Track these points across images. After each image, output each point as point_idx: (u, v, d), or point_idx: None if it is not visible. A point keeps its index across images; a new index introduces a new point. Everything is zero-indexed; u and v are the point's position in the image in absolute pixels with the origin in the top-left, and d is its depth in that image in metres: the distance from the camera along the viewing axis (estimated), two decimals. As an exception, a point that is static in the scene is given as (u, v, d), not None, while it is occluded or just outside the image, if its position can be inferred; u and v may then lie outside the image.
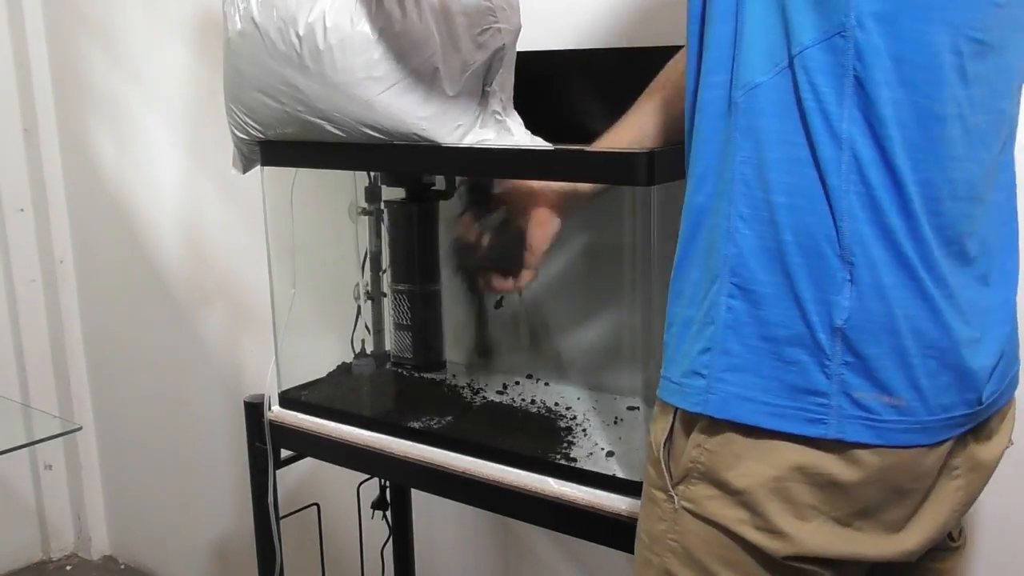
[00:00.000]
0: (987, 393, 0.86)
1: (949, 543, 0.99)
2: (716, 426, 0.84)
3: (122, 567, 2.65)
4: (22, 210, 2.47)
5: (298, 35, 1.16)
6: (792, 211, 0.79)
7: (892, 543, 0.85)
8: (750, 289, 0.81)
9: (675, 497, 0.87)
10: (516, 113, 1.23)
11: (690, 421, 0.86)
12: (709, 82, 0.84)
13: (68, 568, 2.65)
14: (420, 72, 1.14)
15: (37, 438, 1.98)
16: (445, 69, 1.15)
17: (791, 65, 0.78)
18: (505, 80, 1.21)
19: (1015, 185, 0.92)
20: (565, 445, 1.21)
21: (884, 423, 0.80)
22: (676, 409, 0.87)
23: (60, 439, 2.51)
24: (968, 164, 0.81)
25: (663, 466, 0.88)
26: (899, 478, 0.82)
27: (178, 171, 2.20)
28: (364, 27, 1.13)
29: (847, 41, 0.76)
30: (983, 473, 0.92)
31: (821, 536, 0.83)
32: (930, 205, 0.78)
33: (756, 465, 0.82)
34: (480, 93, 1.18)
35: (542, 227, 1.20)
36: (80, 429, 2.08)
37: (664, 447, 0.88)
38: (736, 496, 0.83)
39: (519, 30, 1.20)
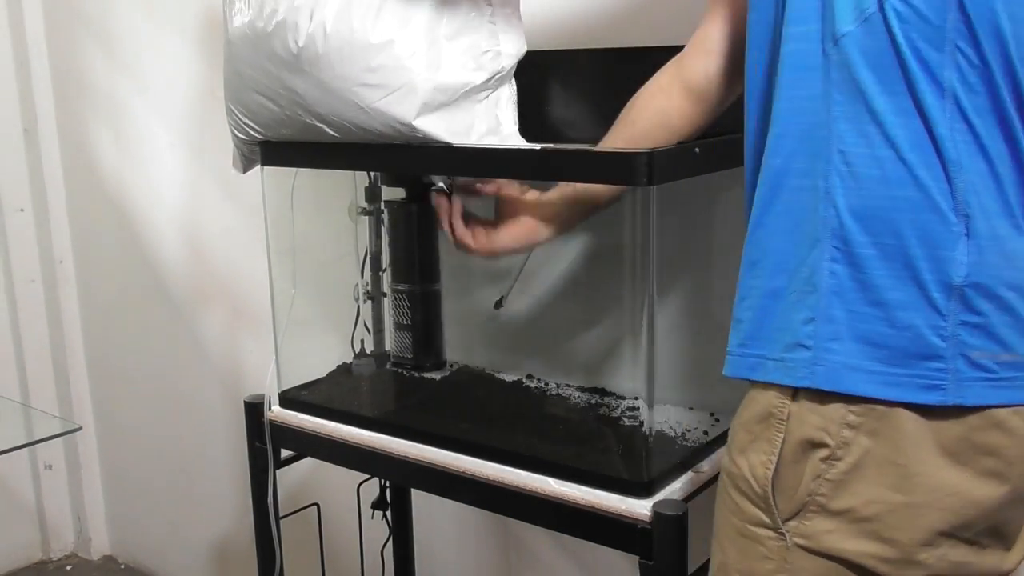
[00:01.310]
0: None
1: None
2: (841, 442, 0.78)
3: (122, 567, 2.65)
4: (22, 210, 2.47)
5: (296, 40, 1.16)
6: (897, 164, 0.75)
7: (1002, 561, 0.82)
8: (854, 252, 0.77)
9: (787, 534, 0.81)
10: (515, 132, 1.23)
11: (804, 445, 0.80)
12: (792, 33, 0.80)
13: (68, 568, 2.65)
14: (417, 84, 1.14)
15: (37, 438, 1.98)
16: (443, 84, 1.15)
17: (882, 8, 0.75)
18: (504, 100, 1.21)
19: None
20: (565, 444, 1.21)
21: (1003, 380, 0.76)
22: (784, 437, 0.81)
23: (60, 439, 2.50)
24: None
25: (772, 502, 0.82)
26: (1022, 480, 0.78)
27: (178, 171, 2.20)
28: (363, 35, 1.13)
29: None
30: None
31: (950, 560, 0.79)
32: None
33: (882, 489, 0.77)
34: (478, 111, 1.18)
35: (515, 227, 1.18)
36: (80, 429, 2.08)
37: (771, 482, 0.82)
38: (863, 524, 0.78)
39: (521, 54, 1.21)
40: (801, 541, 0.81)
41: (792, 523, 0.81)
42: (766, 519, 0.83)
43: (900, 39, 0.74)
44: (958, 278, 0.75)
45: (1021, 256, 0.76)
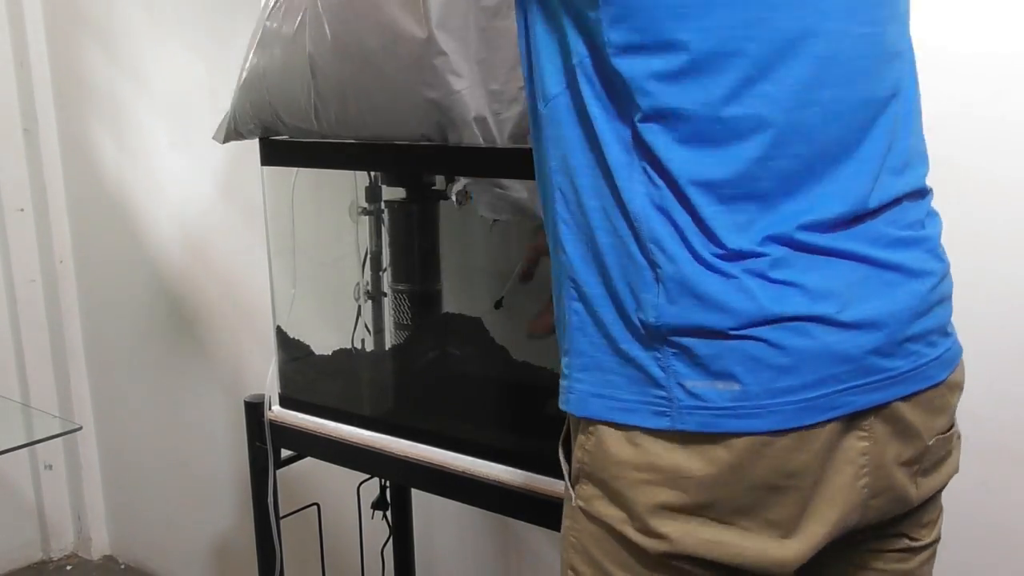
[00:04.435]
0: (876, 367, 0.81)
1: (908, 543, 0.93)
2: (589, 425, 0.85)
3: (122, 567, 2.65)
4: (22, 210, 2.47)
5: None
6: (600, 213, 0.81)
7: (777, 548, 0.82)
8: (584, 291, 0.83)
9: (572, 496, 0.88)
10: None
11: (576, 421, 0.87)
12: (526, 92, 0.88)
13: (68, 568, 2.65)
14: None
15: (37, 438, 1.98)
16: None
17: (575, 75, 0.81)
18: None
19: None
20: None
21: (720, 410, 0.79)
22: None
23: (60, 439, 2.50)
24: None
25: (564, 465, 0.90)
26: (763, 472, 0.80)
27: (178, 171, 2.20)
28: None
29: (599, 57, 0.79)
30: (901, 466, 0.86)
31: (700, 536, 0.81)
32: (708, 202, 0.78)
33: (625, 468, 0.82)
34: None
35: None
36: (80, 429, 2.07)
37: (562, 447, 0.91)
38: (614, 497, 0.83)
39: None
40: (581, 504, 0.87)
41: (577, 487, 0.88)
42: (567, 480, 0.90)
43: (589, 99, 0.80)
44: (652, 319, 0.79)
45: (715, 296, 0.78)
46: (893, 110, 0.85)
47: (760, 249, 0.79)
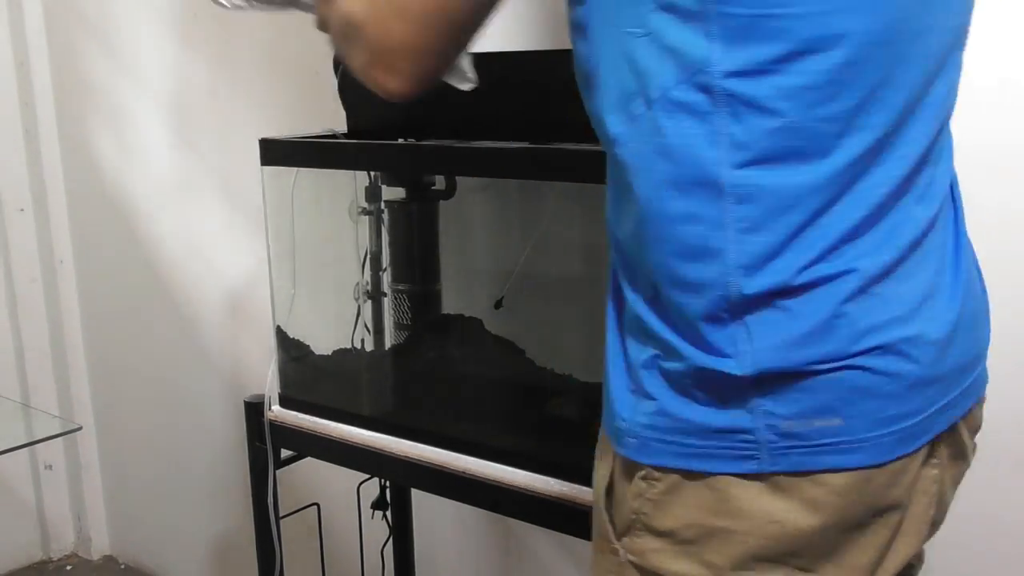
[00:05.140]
0: (957, 381, 0.76)
1: (912, 572, 0.90)
2: (654, 470, 0.76)
3: (122, 567, 2.65)
4: (22, 210, 2.47)
5: None
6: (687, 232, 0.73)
7: None
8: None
9: (620, 550, 0.81)
10: None
11: (630, 467, 0.78)
12: (594, 105, 0.80)
13: (68, 568, 2.65)
14: None
15: (37, 438, 1.98)
16: None
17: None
18: None
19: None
20: (568, 444, 1.21)
21: (817, 447, 0.71)
22: (614, 452, 0.81)
23: (60, 439, 2.50)
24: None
25: (606, 516, 0.82)
26: (858, 513, 0.74)
27: (178, 171, 2.20)
28: None
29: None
30: (949, 492, 0.83)
31: None
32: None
33: (705, 516, 0.74)
34: None
35: None
36: (80, 429, 2.07)
37: (606, 496, 0.82)
38: (686, 549, 0.76)
39: None
40: (633, 558, 0.79)
41: (625, 539, 0.80)
42: (609, 533, 0.82)
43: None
44: (749, 368, 0.72)
45: (808, 318, 0.71)
46: (939, 95, 0.76)
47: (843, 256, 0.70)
